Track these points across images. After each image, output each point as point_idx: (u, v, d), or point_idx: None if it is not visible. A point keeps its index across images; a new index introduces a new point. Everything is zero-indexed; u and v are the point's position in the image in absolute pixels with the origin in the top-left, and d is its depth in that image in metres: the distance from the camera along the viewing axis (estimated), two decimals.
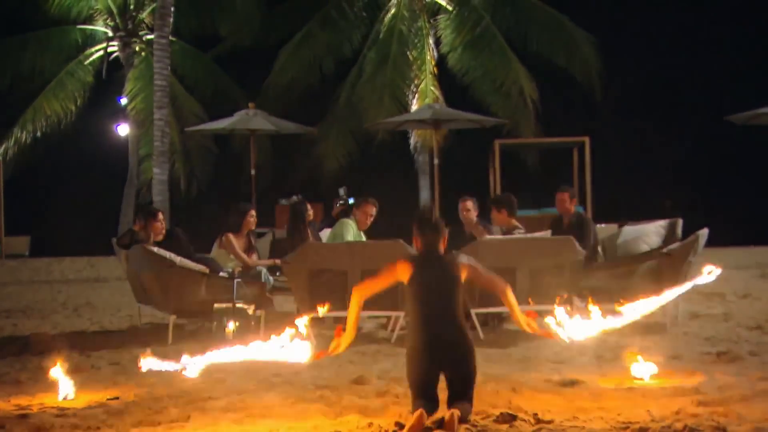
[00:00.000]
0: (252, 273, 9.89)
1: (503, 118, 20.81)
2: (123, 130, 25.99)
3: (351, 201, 12.44)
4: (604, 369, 6.47)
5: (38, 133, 24.71)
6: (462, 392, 5.29)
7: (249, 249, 10.43)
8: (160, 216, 9.93)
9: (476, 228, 10.18)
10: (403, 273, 5.52)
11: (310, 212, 10.94)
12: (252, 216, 10.37)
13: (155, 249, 9.21)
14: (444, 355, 5.26)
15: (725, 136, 22.71)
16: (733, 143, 24.44)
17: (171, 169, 21.33)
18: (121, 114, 25.52)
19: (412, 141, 23.60)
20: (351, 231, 10.06)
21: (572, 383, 6.57)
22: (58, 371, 6.54)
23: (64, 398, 6.38)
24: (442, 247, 5.62)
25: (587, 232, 10.20)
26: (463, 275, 5.50)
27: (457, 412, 5.10)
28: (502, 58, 22.57)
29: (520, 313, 5.61)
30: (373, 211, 10.21)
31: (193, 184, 25.30)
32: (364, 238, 9.99)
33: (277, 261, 10.23)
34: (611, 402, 5.72)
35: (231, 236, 10.23)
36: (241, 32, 24.26)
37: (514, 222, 10.37)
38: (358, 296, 5.63)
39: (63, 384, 6.48)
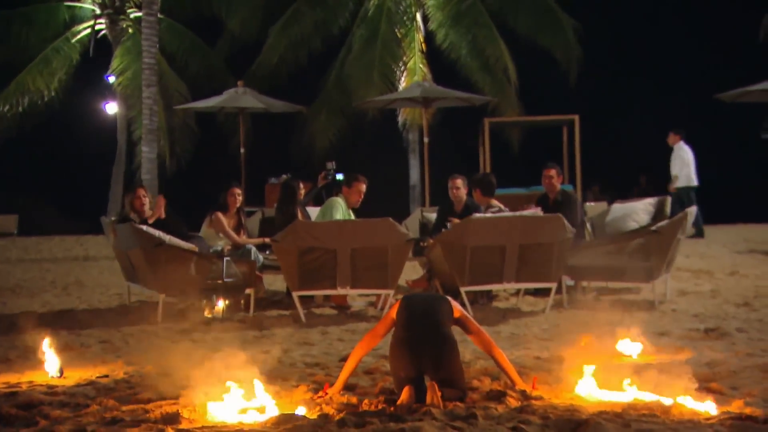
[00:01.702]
0: (241, 251, 9.88)
1: (491, 96, 20.80)
2: (111, 108, 25.85)
3: (339, 176, 12.41)
4: (592, 346, 6.48)
5: (20, 108, 24.42)
6: (448, 386, 5.30)
7: (239, 227, 10.42)
8: (141, 192, 9.88)
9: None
10: (394, 310, 5.57)
11: (302, 191, 10.92)
12: (237, 193, 10.34)
13: (143, 227, 9.19)
14: (425, 360, 5.24)
15: (714, 114, 22.72)
16: (721, 121, 24.47)
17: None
18: (109, 92, 25.38)
19: (400, 119, 23.56)
20: (340, 209, 10.04)
21: (560, 360, 6.59)
22: (47, 349, 6.52)
23: (54, 376, 6.37)
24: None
25: (573, 209, 10.22)
26: (455, 313, 5.54)
27: (436, 385, 5.14)
28: (488, 33, 22.51)
29: (515, 374, 5.60)
30: (364, 188, 10.19)
31: (173, 162, 25.20)
32: (353, 217, 9.98)
33: (267, 239, 10.22)
34: (599, 379, 5.72)
35: (220, 215, 10.23)
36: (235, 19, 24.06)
37: (492, 201, 10.38)
38: (360, 352, 5.65)
39: (52, 362, 6.46)
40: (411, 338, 5.34)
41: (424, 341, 5.31)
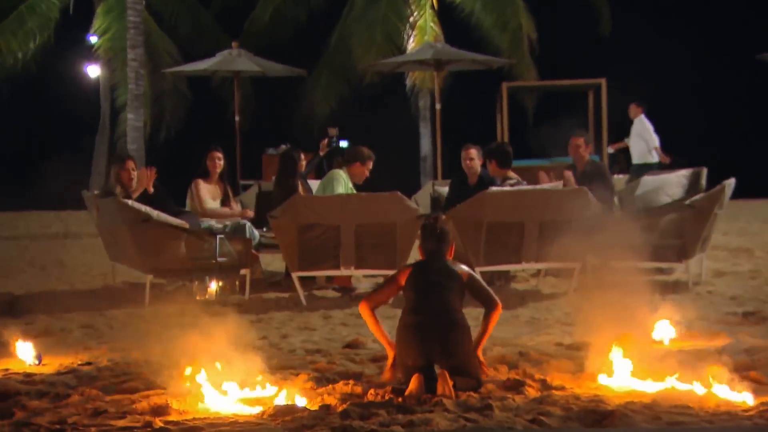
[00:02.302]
0: (235, 227, 9.88)
1: (509, 58, 20.69)
2: (93, 71, 25.80)
3: (343, 144, 12.39)
4: (620, 332, 6.47)
5: None
6: (460, 374, 5.31)
7: (226, 198, 10.37)
8: (130, 164, 9.86)
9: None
10: (403, 277, 5.62)
11: (303, 163, 10.90)
12: (217, 157, 10.30)
13: (129, 202, 9.18)
14: (434, 346, 5.27)
15: (756, 77, 22.56)
16: (764, 85, 24.30)
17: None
18: (91, 54, 25.32)
19: (408, 83, 23.46)
20: (342, 184, 10.02)
21: (584, 347, 6.59)
22: (25, 335, 6.54)
23: (32, 364, 6.39)
24: (446, 257, 5.70)
25: (603, 182, 10.19)
26: (464, 276, 5.59)
27: (448, 374, 5.15)
28: None
29: (487, 335, 5.62)
30: (370, 166, 10.22)
31: (163, 131, 25.17)
32: (354, 191, 9.97)
33: (250, 212, 10.21)
34: (627, 367, 5.72)
35: (201, 182, 10.20)
36: None
37: (509, 173, 10.36)
38: (366, 311, 5.69)
39: (29, 348, 6.48)
40: (420, 324, 5.35)
41: (434, 327, 5.32)
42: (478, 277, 5.74)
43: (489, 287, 5.73)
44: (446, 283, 5.51)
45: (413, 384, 5.18)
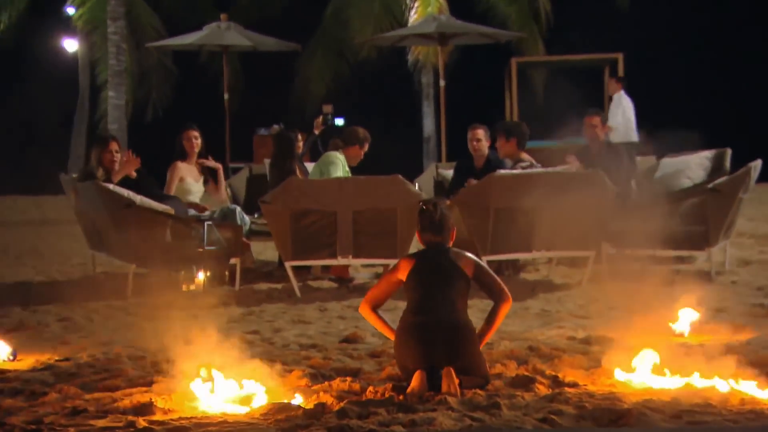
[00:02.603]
0: (225, 213, 9.88)
1: (518, 31, 20.66)
2: (71, 45, 25.75)
3: (339, 122, 12.38)
4: (637, 324, 6.49)
5: None
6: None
7: (207, 180, 10.33)
8: (113, 146, 9.84)
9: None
10: (404, 270, 5.60)
11: (300, 144, 10.88)
12: (194, 136, 10.28)
13: (111, 186, 9.18)
14: (437, 348, 5.27)
15: None
16: None
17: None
18: (68, 27, 25.26)
19: (409, 59, 23.43)
20: (340, 168, 10.03)
21: (599, 341, 6.60)
22: None
23: (6, 359, 6.39)
24: (447, 243, 5.69)
25: (620, 164, 10.18)
26: (469, 271, 5.56)
27: (453, 371, 5.16)
28: None
29: (492, 331, 5.64)
30: (366, 148, 10.23)
31: (148, 110, 25.15)
32: (350, 174, 9.97)
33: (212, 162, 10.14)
34: (645, 363, 5.73)
35: (178, 164, 10.18)
36: None
37: (522, 154, 10.35)
38: (368, 311, 5.72)
39: (3, 344, 6.49)
40: (421, 325, 5.36)
41: (437, 329, 5.33)
42: (486, 266, 5.72)
43: (498, 279, 5.71)
44: (450, 281, 5.50)
45: (415, 381, 5.18)
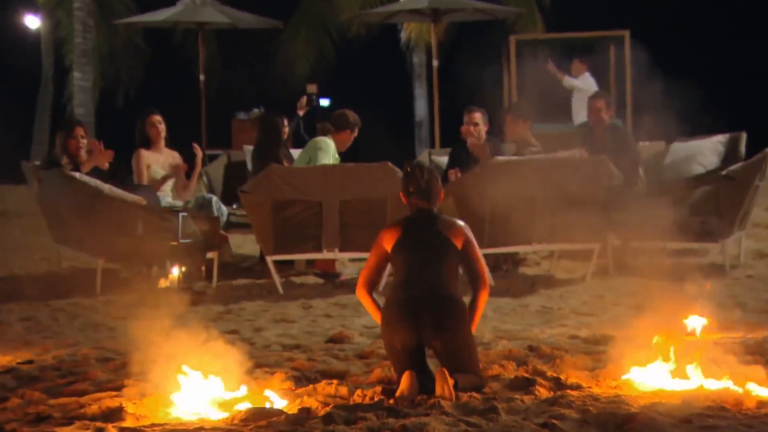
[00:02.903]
0: (201, 203, 9.87)
1: (517, 7, 20.65)
2: (32, 22, 25.66)
3: (324, 102, 12.36)
4: (645, 322, 6.50)
5: None
6: (458, 366, 5.32)
7: (175, 168, 10.29)
8: (79, 132, 9.82)
9: (482, 149, 10.13)
10: (389, 241, 5.60)
11: (285, 129, 10.83)
12: (157, 121, 10.25)
13: (77, 174, 9.16)
14: (424, 321, 5.30)
15: None
16: None
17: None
18: (29, 2, 25.18)
19: (402, 37, 23.41)
20: (330, 155, 9.96)
21: (604, 340, 6.61)
22: None
23: None
24: (434, 209, 5.68)
25: (626, 149, 10.19)
26: (458, 242, 5.56)
27: (446, 372, 5.17)
28: None
29: (474, 323, 5.63)
30: (356, 133, 10.22)
31: (119, 92, 25.08)
32: (339, 161, 9.97)
33: (182, 165, 10.11)
34: (652, 363, 5.74)
35: (142, 151, 10.15)
36: None
37: (531, 138, 10.36)
38: (364, 295, 5.71)
39: None
40: (408, 299, 5.39)
41: (425, 301, 5.36)
42: (474, 243, 5.66)
43: (483, 262, 5.68)
44: (439, 254, 5.51)
45: (405, 383, 5.18)
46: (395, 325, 5.38)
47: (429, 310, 5.34)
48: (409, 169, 5.71)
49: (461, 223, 5.68)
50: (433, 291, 5.41)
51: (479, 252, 5.69)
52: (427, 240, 5.55)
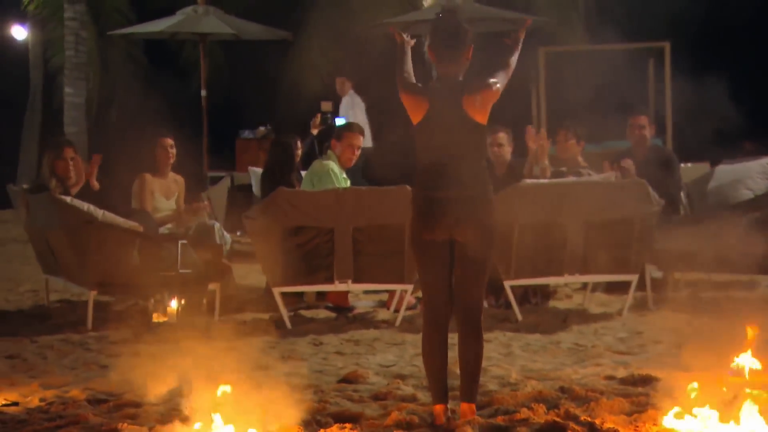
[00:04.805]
0: (201, 230, 9.89)
1: (547, 17, 20.71)
2: (20, 33, 25.83)
3: (339, 121, 12.36)
4: (688, 362, 6.48)
5: None
6: (472, 299, 5.70)
7: (177, 196, 10.35)
8: (68, 153, 9.86)
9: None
10: (417, 112, 5.94)
11: (298, 152, 10.81)
12: (169, 145, 10.30)
13: (68, 199, 9.19)
14: (451, 206, 5.61)
15: None
16: None
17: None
18: (18, 11, 25.34)
19: (424, 50, 23.46)
20: (333, 179, 9.87)
21: (643, 381, 6.59)
22: None
23: None
24: (462, 67, 6.05)
25: (670, 172, 10.18)
26: (482, 119, 5.85)
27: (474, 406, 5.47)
28: None
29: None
30: (360, 141, 10.14)
31: (114, 109, 25.20)
32: (348, 183, 9.94)
33: (204, 204, 10.15)
34: (699, 407, 5.73)
35: (147, 177, 10.19)
36: None
37: (581, 159, 10.39)
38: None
39: None
40: (432, 200, 5.70)
41: (450, 204, 5.66)
42: (497, 81, 6.08)
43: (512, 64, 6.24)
44: (465, 143, 5.78)
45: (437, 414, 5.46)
46: (423, 220, 5.72)
47: (456, 211, 5.65)
48: (439, 17, 5.92)
49: (481, 85, 6.01)
50: (458, 192, 5.68)
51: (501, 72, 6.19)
52: (451, 123, 5.83)
